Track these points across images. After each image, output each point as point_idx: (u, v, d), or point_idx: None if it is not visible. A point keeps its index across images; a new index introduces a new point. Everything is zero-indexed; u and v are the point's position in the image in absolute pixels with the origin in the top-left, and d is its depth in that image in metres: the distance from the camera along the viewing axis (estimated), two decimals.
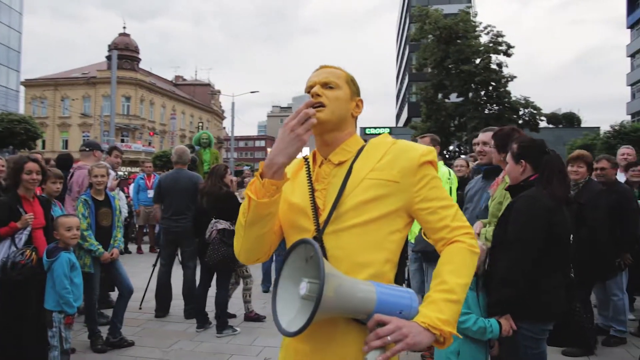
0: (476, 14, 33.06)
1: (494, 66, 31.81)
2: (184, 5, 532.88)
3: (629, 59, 46.26)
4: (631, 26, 45.34)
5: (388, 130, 46.26)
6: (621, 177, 5.66)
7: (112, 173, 5.82)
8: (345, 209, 1.45)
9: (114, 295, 5.72)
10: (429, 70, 33.75)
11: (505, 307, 2.71)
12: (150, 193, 10.38)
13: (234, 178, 7.03)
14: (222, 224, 5.21)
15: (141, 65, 54.69)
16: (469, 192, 3.94)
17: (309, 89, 1.55)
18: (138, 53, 53.26)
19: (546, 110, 34.33)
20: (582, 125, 42.71)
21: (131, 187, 11.27)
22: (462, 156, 16.47)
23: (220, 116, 74.93)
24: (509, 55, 31.53)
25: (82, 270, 4.16)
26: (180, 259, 6.74)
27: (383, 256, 1.46)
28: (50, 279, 3.84)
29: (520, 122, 30.71)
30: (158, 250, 10.13)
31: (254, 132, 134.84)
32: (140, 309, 6.02)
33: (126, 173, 24.83)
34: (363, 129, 44.19)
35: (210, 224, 5.24)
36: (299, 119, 1.38)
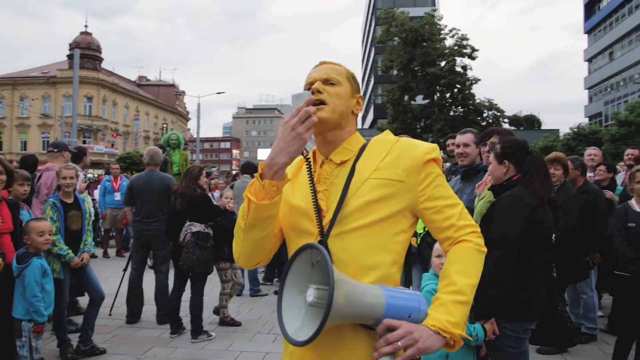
0: (441, 17, 33.56)
1: (458, 69, 32.50)
2: (149, 5, 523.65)
3: (587, 63, 47.67)
4: (588, 31, 46.75)
5: None
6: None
7: (81, 175, 5.62)
8: (350, 210, 1.41)
9: (82, 300, 5.54)
10: (395, 72, 34.11)
11: (492, 310, 2.68)
12: (117, 196, 10.15)
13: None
14: (197, 227, 5.09)
15: (104, 65, 53.30)
16: None
17: (309, 86, 1.50)
18: (100, 52, 51.90)
19: (508, 112, 35.22)
20: (543, 127, 43.70)
21: (97, 189, 10.98)
22: None
23: (185, 117, 73.90)
24: (473, 58, 32.26)
25: None
26: (150, 263, 6.59)
27: (390, 258, 1.42)
28: (20, 286, 3.65)
29: (484, 123, 31.38)
30: (125, 254, 9.95)
31: (219, 133, 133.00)
32: (110, 315, 5.83)
33: (95, 175, 24.11)
34: None
35: (185, 226, 5.11)
36: (300, 117, 1.33)
